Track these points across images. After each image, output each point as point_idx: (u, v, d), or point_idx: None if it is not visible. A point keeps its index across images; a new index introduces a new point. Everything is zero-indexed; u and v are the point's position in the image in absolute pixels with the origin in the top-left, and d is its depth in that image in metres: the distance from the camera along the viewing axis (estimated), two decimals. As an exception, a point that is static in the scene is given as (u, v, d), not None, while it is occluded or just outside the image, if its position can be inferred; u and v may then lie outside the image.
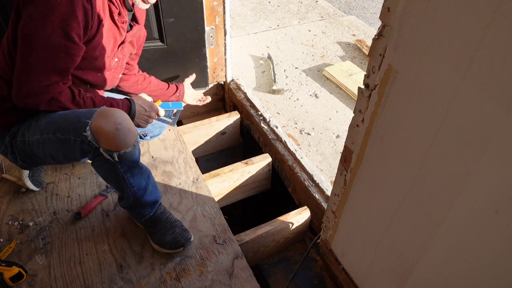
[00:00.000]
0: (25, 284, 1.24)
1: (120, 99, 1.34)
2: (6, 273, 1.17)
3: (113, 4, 1.24)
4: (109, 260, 1.34)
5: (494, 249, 0.74)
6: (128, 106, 1.33)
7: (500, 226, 0.71)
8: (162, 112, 1.47)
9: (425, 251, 0.92)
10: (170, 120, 1.64)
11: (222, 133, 2.20)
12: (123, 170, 1.19)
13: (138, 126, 1.39)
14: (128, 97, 1.37)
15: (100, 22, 1.19)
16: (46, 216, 1.46)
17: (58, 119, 1.15)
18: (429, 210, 0.87)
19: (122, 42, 1.37)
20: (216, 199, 1.80)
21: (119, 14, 1.28)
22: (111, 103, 1.28)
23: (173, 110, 1.64)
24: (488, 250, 0.75)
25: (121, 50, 1.39)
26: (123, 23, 1.31)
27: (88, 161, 1.64)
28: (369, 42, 2.92)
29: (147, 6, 1.34)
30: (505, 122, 0.64)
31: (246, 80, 2.52)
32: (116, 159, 1.13)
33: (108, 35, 1.26)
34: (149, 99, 1.49)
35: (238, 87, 2.28)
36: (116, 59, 1.38)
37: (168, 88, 1.77)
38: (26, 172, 1.46)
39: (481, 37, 0.64)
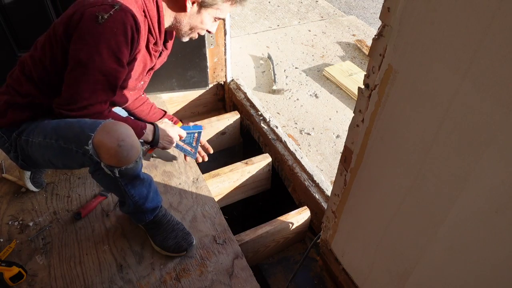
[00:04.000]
0: (25, 284, 1.24)
1: (144, 123, 1.39)
2: (6, 273, 1.17)
3: (151, 35, 1.27)
4: (109, 260, 1.34)
5: (494, 249, 0.74)
6: (153, 131, 1.39)
7: (500, 226, 0.71)
8: (183, 134, 1.54)
9: (425, 251, 0.92)
10: (191, 151, 1.65)
11: (222, 133, 2.20)
12: (124, 183, 1.18)
13: (164, 148, 1.46)
14: (153, 123, 1.43)
15: (139, 50, 1.24)
16: (46, 216, 1.46)
17: (64, 127, 1.13)
18: (429, 210, 0.87)
19: (151, 68, 1.42)
20: (216, 199, 1.80)
21: (155, 43, 1.32)
22: (134, 125, 1.31)
23: (194, 135, 1.63)
24: (488, 250, 0.75)
25: (148, 75, 1.43)
26: (156, 51, 1.35)
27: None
28: (369, 42, 2.92)
29: (187, 39, 1.39)
30: (505, 122, 0.64)
31: (246, 80, 2.52)
32: (117, 174, 1.12)
33: (140, 61, 1.30)
34: (170, 123, 1.56)
35: (238, 87, 2.28)
36: (142, 82, 1.43)
37: (160, 116, 1.70)
38: (27, 173, 1.46)
39: (481, 37, 0.64)
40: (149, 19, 1.23)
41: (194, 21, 1.30)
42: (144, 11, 1.20)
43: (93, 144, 1.06)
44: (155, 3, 1.23)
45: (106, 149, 1.05)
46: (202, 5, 1.26)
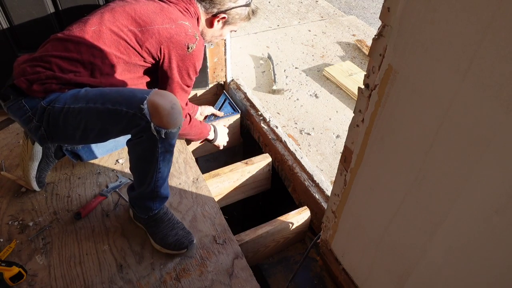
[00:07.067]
0: (25, 284, 1.25)
1: (210, 124, 1.85)
2: (6, 273, 1.17)
3: None
4: (109, 260, 1.34)
5: (494, 249, 0.74)
6: (214, 130, 1.85)
7: (500, 226, 0.71)
8: (226, 136, 1.95)
9: (425, 251, 0.92)
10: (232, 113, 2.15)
11: (222, 133, 2.19)
12: (160, 151, 1.21)
13: (218, 146, 1.92)
14: (212, 124, 1.86)
15: None
16: (46, 216, 1.46)
17: (110, 92, 1.19)
18: (429, 210, 0.87)
19: None
20: (216, 199, 1.80)
21: None
22: (203, 124, 1.76)
23: (227, 108, 2.17)
24: (487, 250, 0.75)
25: None
26: None
27: (95, 158, 1.66)
28: (369, 42, 2.92)
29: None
30: (505, 122, 0.64)
31: (246, 80, 2.52)
32: (163, 136, 1.17)
33: None
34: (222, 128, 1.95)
35: (238, 87, 2.28)
36: None
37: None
38: (33, 172, 1.46)
39: (481, 37, 0.64)
40: None
41: (217, 34, 1.60)
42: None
43: (148, 104, 1.12)
44: (195, 19, 1.47)
45: (161, 109, 1.13)
46: (225, 23, 1.56)
